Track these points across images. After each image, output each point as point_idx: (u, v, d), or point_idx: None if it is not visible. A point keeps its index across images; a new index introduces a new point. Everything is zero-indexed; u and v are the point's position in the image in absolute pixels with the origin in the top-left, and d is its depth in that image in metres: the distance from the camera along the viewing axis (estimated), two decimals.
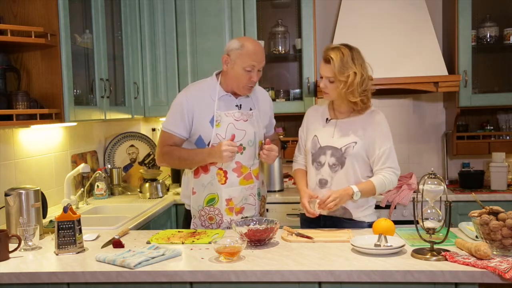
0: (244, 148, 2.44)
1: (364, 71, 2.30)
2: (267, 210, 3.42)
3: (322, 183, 2.37)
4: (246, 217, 2.46)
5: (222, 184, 2.42)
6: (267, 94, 2.67)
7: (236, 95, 2.46)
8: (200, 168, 2.44)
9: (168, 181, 3.87)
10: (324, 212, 2.28)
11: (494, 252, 1.83)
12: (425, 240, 1.91)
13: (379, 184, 2.30)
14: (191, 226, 2.51)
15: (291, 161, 2.62)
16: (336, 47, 2.31)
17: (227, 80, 2.43)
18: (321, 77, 2.35)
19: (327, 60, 2.29)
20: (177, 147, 2.46)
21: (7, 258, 1.99)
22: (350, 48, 2.32)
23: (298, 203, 2.54)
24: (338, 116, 2.41)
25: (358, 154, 2.33)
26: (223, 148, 2.29)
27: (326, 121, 2.43)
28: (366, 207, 2.40)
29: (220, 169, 2.42)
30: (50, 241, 2.25)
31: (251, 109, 2.50)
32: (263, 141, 2.53)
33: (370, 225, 2.38)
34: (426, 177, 1.91)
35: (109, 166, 3.72)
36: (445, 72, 3.45)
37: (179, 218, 3.40)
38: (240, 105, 2.47)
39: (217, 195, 2.44)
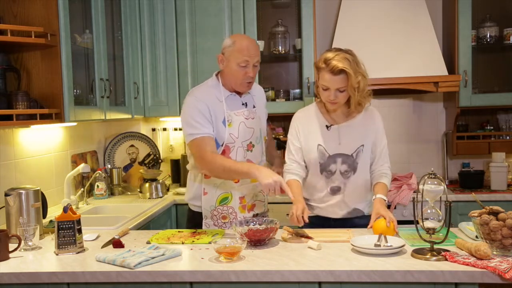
0: (253, 146, 2.46)
1: (365, 69, 2.29)
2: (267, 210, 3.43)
3: (335, 190, 2.37)
4: (257, 214, 2.49)
5: (235, 182, 2.43)
6: (262, 89, 2.68)
7: (239, 94, 2.46)
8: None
9: (168, 181, 3.87)
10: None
11: (494, 252, 1.83)
12: (425, 240, 1.91)
13: (389, 183, 2.38)
14: (203, 227, 2.49)
15: None
16: (336, 54, 2.22)
17: (226, 79, 2.42)
18: (326, 89, 2.26)
19: (337, 72, 2.19)
20: (220, 155, 2.35)
21: (7, 258, 1.99)
22: (347, 51, 2.26)
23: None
24: (337, 121, 2.38)
25: (366, 156, 2.36)
26: (275, 179, 2.16)
27: (327, 128, 2.38)
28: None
29: None
30: (50, 241, 2.25)
31: (254, 107, 2.51)
32: (266, 137, 2.57)
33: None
34: (426, 177, 1.91)
35: (109, 166, 3.72)
36: (445, 72, 3.45)
37: (179, 218, 3.40)
38: (246, 103, 2.48)
39: (231, 193, 2.44)
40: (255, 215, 2.48)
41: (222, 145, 2.39)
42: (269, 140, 2.76)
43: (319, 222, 2.43)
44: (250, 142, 2.44)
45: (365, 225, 2.29)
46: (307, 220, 2.18)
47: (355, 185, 2.36)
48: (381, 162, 2.39)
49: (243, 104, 2.46)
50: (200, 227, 2.50)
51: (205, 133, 2.33)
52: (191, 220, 2.56)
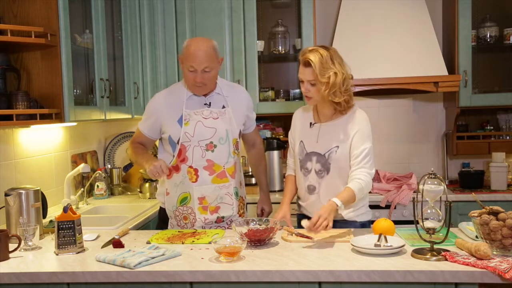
0: (215, 146, 2.44)
1: (344, 70, 2.27)
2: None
3: (311, 189, 2.37)
4: (223, 216, 2.48)
5: (193, 182, 2.43)
6: (245, 92, 2.65)
7: (205, 94, 2.48)
8: (172, 168, 2.46)
9: None
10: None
11: (494, 252, 1.83)
12: (425, 240, 1.91)
13: (358, 190, 2.21)
14: (169, 227, 2.53)
15: None
16: (313, 49, 2.27)
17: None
18: (302, 82, 2.32)
19: (307, 63, 2.25)
20: (140, 145, 2.58)
21: (7, 258, 1.99)
22: (327, 48, 2.28)
23: (295, 203, 2.55)
24: (321, 120, 2.39)
25: (342, 159, 2.31)
26: (152, 167, 2.31)
27: (310, 125, 2.41)
28: (358, 207, 2.37)
29: (191, 167, 2.43)
30: (50, 241, 2.25)
31: (223, 107, 2.49)
32: (238, 139, 2.55)
33: (363, 224, 2.38)
34: (426, 177, 1.91)
35: (109, 166, 3.72)
36: (445, 72, 3.45)
37: None
38: (210, 103, 2.48)
39: (189, 193, 2.45)
40: (221, 218, 2.47)
41: (178, 143, 2.43)
42: (258, 156, 2.78)
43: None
44: (211, 142, 2.43)
45: None
46: (280, 228, 2.21)
47: (330, 186, 2.32)
48: (358, 166, 2.26)
49: (205, 104, 2.47)
50: (166, 224, 2.54)
51: (140, 129, 2.58)
52: (158, 216, 2.65)
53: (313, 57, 2.23)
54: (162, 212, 2.59)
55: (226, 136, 2.47)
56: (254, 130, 2.72)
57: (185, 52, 2.39)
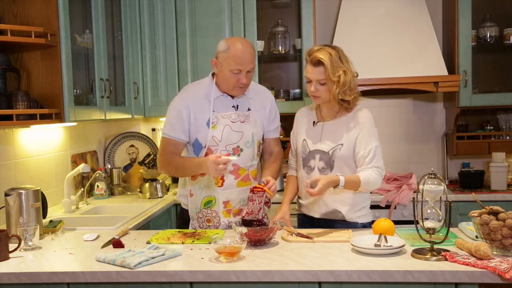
0: (241, 150, 2.42)
1: (351, 68, 2.29)
2: None
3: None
4: None
5: (219, 186, 2.41)
6: (266, 92, 2.58)
7: (232, 96, 2.44)
8: None
9: (168, 181, 3.87)
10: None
11: (494, 252, 1.84)
12: (425, 240, 1.91)
13: (365, 181, 2.22)
14: (190, 227, 2.52)
15: None
16: (320, 48, 2.27)
17: (219, 82, 2.41)
18: (309, 81, 2.30)
19: (316, 63, 2.24)
20: (176, 155, 2.42)
21: (7, 258, 1.99)
22: (333, 47, 2.29)
23: (295, 203, 2.55)
24: (325, 118, 2.39)
25: (346, 156, 2.31)
26: (208, 164, 2.20)
27: (313, 124, 2.41)
28: (359, 208, 2.37)
29: None
30: (50, 241, 2.26)
31: (249, 109, 2.47)
32: (261, 142, 2.52)
33: (364, 226, 2.38)
34: (426, 177, 1.91)
35: (109, 166, 3.72)
36: (445, 72, 3.45)
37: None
38: (237, 105, 2.45)
39: (214, 197, 2.43)
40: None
41: (205, 147, 2.40)
42: (276, 157, 2.59)
43: (305, 220, 2.46)
44: (238, 146, 2.41)
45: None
46: (280, 228, 2.21)
47: None
48: (366, 164, 2.26)
49: (233, 106, 2.44)
50: (187, 225, 2.52)
51: (172, 136, 2.41)
52: (180, 217, 2.63)
53: (324, 56, 2.22)
54: (185, 213, 2.55)
55: (252, 139, 2.45)
56: (274, 139, 2.59)
57: (228, 55, 2.31)
